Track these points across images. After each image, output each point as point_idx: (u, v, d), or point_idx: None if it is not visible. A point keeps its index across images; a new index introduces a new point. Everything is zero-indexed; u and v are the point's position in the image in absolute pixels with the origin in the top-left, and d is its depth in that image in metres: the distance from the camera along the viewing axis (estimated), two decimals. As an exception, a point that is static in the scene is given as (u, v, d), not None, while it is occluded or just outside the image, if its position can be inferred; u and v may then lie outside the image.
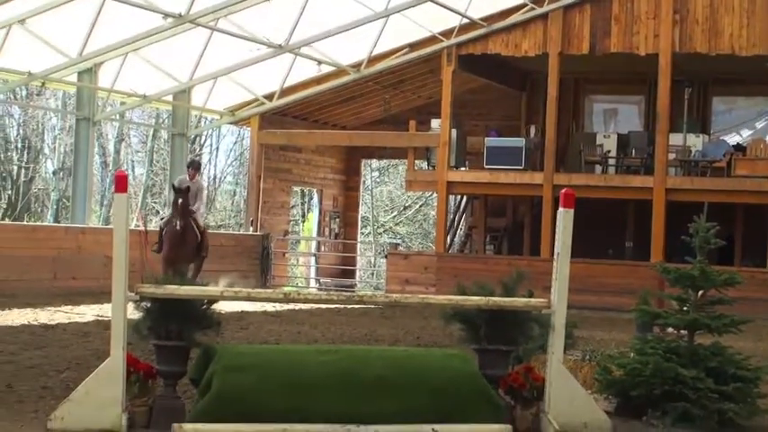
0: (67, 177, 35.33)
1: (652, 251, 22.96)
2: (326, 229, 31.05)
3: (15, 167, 39.50)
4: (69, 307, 17.27)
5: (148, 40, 22.07)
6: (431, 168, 26.02)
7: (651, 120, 25.63)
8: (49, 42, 20.87)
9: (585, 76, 27.31)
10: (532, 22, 24.40)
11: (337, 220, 31.18)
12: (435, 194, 27.14)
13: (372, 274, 32.59)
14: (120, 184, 7.60)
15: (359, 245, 33.55)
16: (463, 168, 25.72)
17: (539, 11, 24.17)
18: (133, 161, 43.79)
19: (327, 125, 29.64)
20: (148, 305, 7.71)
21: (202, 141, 42.72)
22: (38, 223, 34.65)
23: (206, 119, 31.75)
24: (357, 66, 25.51)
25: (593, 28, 24.01)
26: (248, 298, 8.44)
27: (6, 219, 36.38)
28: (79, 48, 21.47)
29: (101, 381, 7.38)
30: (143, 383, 7.60)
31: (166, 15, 20.74)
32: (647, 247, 23.34)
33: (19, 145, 40.05)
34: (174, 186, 18.21)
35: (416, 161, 26.62)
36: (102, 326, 13.41)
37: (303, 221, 39.37)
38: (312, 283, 30.42)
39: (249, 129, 27.93)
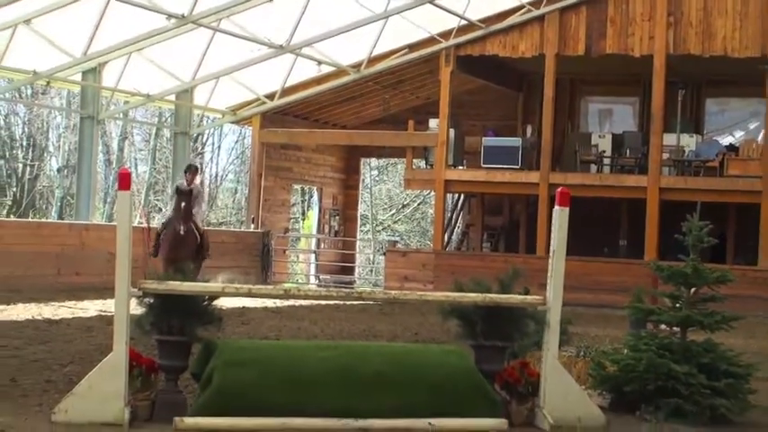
0: (72, 175, 35.31)
1: (646, 249, 22.97)
2: (326, 227, 31.06)
3: (20, 165, 39.50)
4: (73, 302, 17.26)
5: (152, 40, 22.07)
6: (429, 167, 26.03)
7: (645, 120, 25.64)
8: (54, 42, 20.87)
9: (581, 77, 27.32)
10: (529, 24, 24.41)
11: (337, 217, 31.19)
12: (433, 193, 27.14)
13: (371, 271, 32.60)
14: (124, 181, 7.60)
15: (358, 242, 33.56)
16: (461, 167, 25.72)
17: (535, 13, 24.18)
18: (136, 159, 43.78)
19: (327, 124, 29.64)
20: (151, 301, 7.72)
21: (204, 140, 42.71)
22: (42, 220, 34.65)
23: (208, 118, 31.73)
24: (357, 66, 25.51)
25: (589, 30, 24.02)
26: (249, 294, 8.43)
27: (11, 215, 36.37)
28: (84, 47, 21.47)
29: (104, 375, 7.38)
30: (145, 378, 7.60)
31: (170, 16, 20.74)
32: (641, 245, 23.36)
33: (24, 143, 40.05)
34: (177, 188, 17.60)
35: (415, 160, 26.63)
36: (106, 321, 13.38)
37: (303, 219, 39.38)
38: (312, 279, 30.42)
39: (251, 128, 27.94)
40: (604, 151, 25.08)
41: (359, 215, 33.48)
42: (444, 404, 7.73)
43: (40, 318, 14.59)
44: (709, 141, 25.37)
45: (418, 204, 46.85)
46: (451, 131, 25.15)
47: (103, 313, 15.16)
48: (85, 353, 10.64)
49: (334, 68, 25.69)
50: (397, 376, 7.77)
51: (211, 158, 44.36)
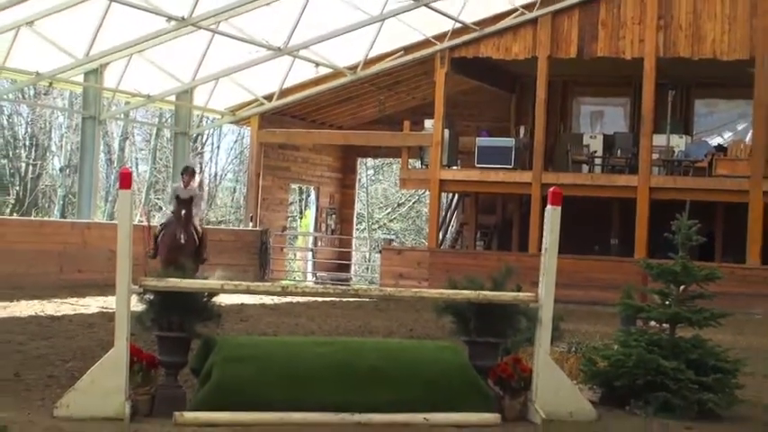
0: (74, 174, 35.29)
1: (636, 247, 22.98)
2: (323, 225, 31.06)
3: (23, 164, 39.48)
4: (75, 299, 17.26)
5: (152, 42, 22.06)
6: (424, 167, 26.04)
7: (636, 121, 25.64)
8: (57, 43, 20.85)
9: (573, 78, 27.33)
10: (522, 27, 24.42)
11: (333, 216, 31.19)
12: (428, 192, 27.13)
13: (367, 268, 32.61)
14: (125, 180, 7.60)
15: (354, 240, 33.56)
16: (455, 167, 25.72)
17: (529, 16, 24.18)
18: (137, 159, 43.75)
19: (325, 125, 29.64)
20: (151, 298, 7.73)
21: (204, 140, 42.69)
22: (45, 218, 34.61)
23: (207, 118, 31.72)
24: (353, 68, 25.51)
25: (581, 33, 24.03)
26: (247, 291, 8.45)
27: (14, 214, 36.34)
28: (85, 49, 21.46)
29: (105, 370, 7.39)
30: (146, 373, 7.61)
31: (170, 18, 20.72)
32: (632, 243, 23.37)
33: (27, 143, 40.03)
34: (177, 197, 17.14)
35: (410, 160, 26.61)
36: (107, 317, 13.38)
37: (301, 218, 39.36)
38: (309, 276, 30.42)
39: (249, 128, 27.92)
40: (596, 151, 25.10)
41: (355, 214, 33.50)
42: (439, 399, 7.75)
43: (42, 314, 14.59)
44: (698, 142, 25.40)
45: (413, 203, 46.85)
46: (446, 132, 25.15)
47: (105, 310, 15.17)
48: (87, 349, 10.65)
49: (331, 70, 25.68)
50: (392, 372, 7.79)
51: (211, 158, 44.39)
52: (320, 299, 18.93)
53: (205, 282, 8.10)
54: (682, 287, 9.05)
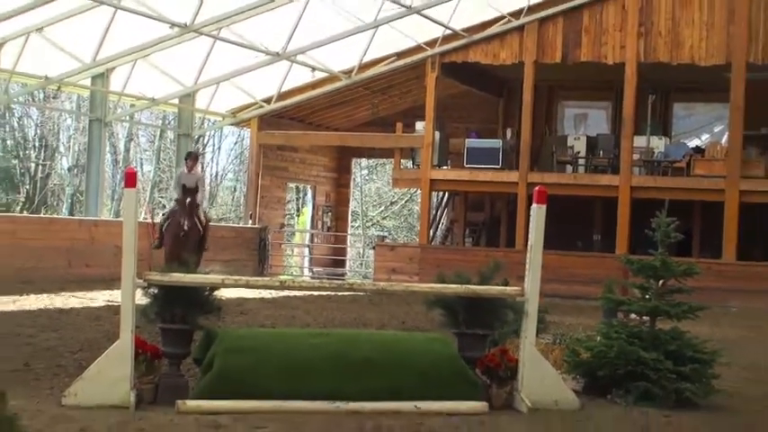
0: (81, 174, 35.23)
1: (617, 244, 23.00)
2: (319, 223, 31.04)
3: (33, 164, 39.42)
4: (82, 293, 17.22)
5: (156, 47, 22.05)
6: (415, 167, 26.04)
7: (617, 123, 25.65)
8: (65, 49, 20.83)
9: (558, 83, 27.33)
10: (509, 34, 24.42)
11: (329, 214, 31.18)
12: (419, 191, 27.14)
13: (361, 264, 32.57)
14: (130, 180, 7.60)
15: (349, 237, 33.54)
16: (445, 167, 25.72)
17: (515, 23, 24.19)
18: (142, 159, 43.71)
19: (321, 127, 29.62)
20: (155, 291, 7.72)
21: (205, 141, 42.63)
22: (54, 216, 34.57)
23: (209, 120, 31.73)
24: (348, 72, 25.51)
25: (566, 39, 24.04)
26: (247, 285, 8.44)
27: (25, 212, 36.29)
28: (92, 54, 21.44)
29: (111, 361, 7.39)
30: (150, 363, 7.61)
31: (173, 25, 20.72)
32: (613, 240, 23.39)
33: (36, 144, 39.97)
34: (183, 186, 16.94)
35: (402, 160, 26.62)
36: (113, 310, 13.36)
37: (298, 215, 39.34)
38: (306, 271, 30.39)
39: (249, 130, 27.90)
40: (579, 152, 25.11)
41: (350, 212, 33.48)
42: (429, 388, 7.74)
43: (51, 307, 14.57)
44: (676, 143, 25.42)
45: (405, 202, 46.86)
46: (437, 134, 25.15)
47: (111, 303, 15.14)
48: (94, 340, 10.64)
49: (327, 74, 25.68)
50: (385, 362, 7.79)
51: (212, 158, 44.33)
52: (316, 293, 18.93)
53: (207, 276, 8.10)
54: (661, 282, 9.05)
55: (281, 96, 26.11)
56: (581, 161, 24.99)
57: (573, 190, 23.82)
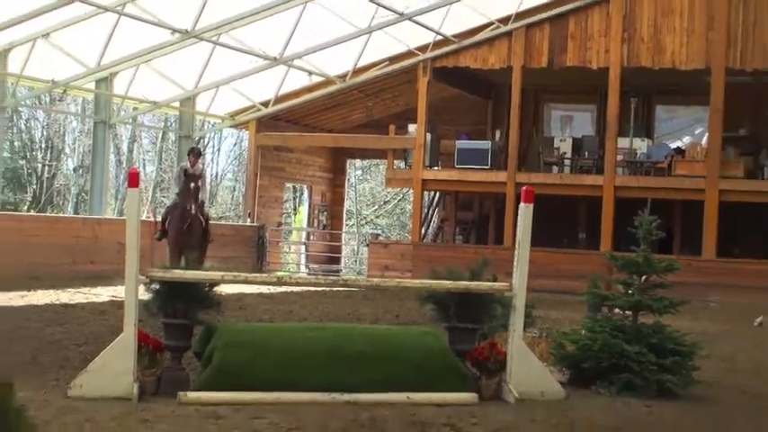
0: (86, 174, 35.20)
1: (602, 241, 23.02)
2: (315, 221, 31.03)
3: (40, 165, 39.35)
4: (87, 288, 17.21)
5: (158, 52, 22.03)
6: (408, 167, 26.03)
7: (602, 126, 25.68)
8: (70, 54, 20.80)
9: (545, 87, 27.33)
10: (498, 39, 24.43)
11: (325, 212, 31.16)
12: (411, 191, 27.13)
13: (356, 260, 32.57)
14: (133, 180, 7.59)
15: (344, 235, 33.55)
16: (436, 168, 25.72)
17: (504, 29, 24.20)
18: (144, 160, 43.64)
19: (317, 129, 29.60)
20: (157, 287, 7.72)
21: (206, 143, 42.56)
22: (59, 215, 34.51)
23: (209, 123, 31.66)
24: (343, 76, 25.50)
25: (552, 44, 24.04)
26: (246, 281, 8.44)
27: (32, 210, 36.24)
28: (97, 59, 21.41)
29: (115, 354, 7.39)
30: (152, 356, 7.61)
31: (174, 31, 20.70)
32: (598, 237, 23.41)
33: (43, 145, 39.90)
34: (185, 171, 16.42)
35: (395, 161, 26.62)
36: (117, 305, 13.35)
37: (295, 214, 39.33)
38: (302, 268, 30.39)
39: (247, 132, 27.86)
40: (565, 153, 25.12)
41: (345, 210, 33.46)
42: (422, 380, 7.75)
43: (57, 302, 14.56)
44: (658, 145, 25.44)
45: (398, 201, 46.85)
46: (428, 135, 25.14)
47: (115, 298, 15.13)
48: (98, 334, 10.63)
49: (322, 78, 25.67)
50: (378, 355, 7.80)
51: (212, 159, 44.27)
52: (312, 288, 18.92)
53: (207, 272, 8.10)
54: (643, 277, 9.07)
55: (279, 99, 26.09)
56: (567, 162, 25.00)
57: (559, 190, 23.83)
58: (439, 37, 24.38)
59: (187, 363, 8.06)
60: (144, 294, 7.69)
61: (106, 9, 19.26)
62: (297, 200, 39.90)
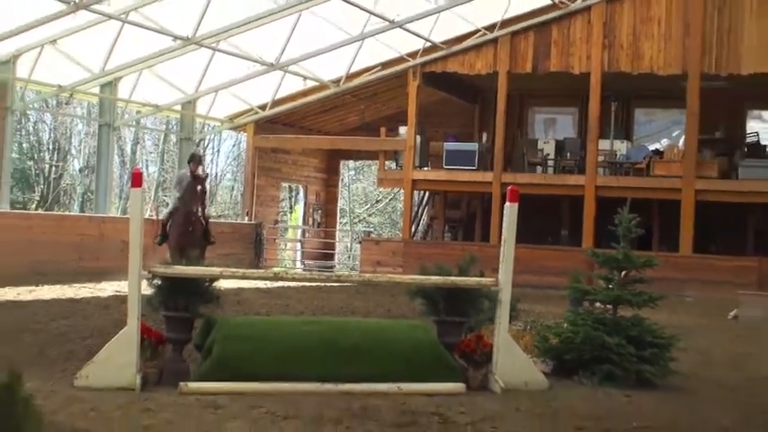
0: (91, 174, 35.10)
1: (584, 238, 23.04)
2: (310, 219, 31.01)
3: (47, 166, 39.27)
4: (92, 284, 17.18)
5: (160, 58, 21.98)
6: (399, 168, 26.02)
7: (583, 128, 25.69)
8: (76, 60, 20.75)
9: (529, 91, 27.33)
10: (484, 46, 24.43)
11: (319, 211, 31.14)
12: (402, 190, 27.13)
13: (349, 257, 32.55)
14: (136, 180, 7.58)
15: (337, 232, 33.52)
16: (426, 168, 25.71)
17: (490, 36, 24.20)
18: (147, 161, 43.56)
19: (312, 131, 29.58)
20: (159, 282, 7.71)
21: (206, 144, 42.51)
22: (65, 213, 34.44)
23: (209, 125, 31.58)
24: (337, 81, 25.48)
25: (536, 51, 24.05)
26: (244, 277, 8.45)
27: (39, 209, 36.16)
28: (101, 64, 21.36)
29: (119, 346, 7.38)
30: (154, 349, 7.60)
31: (176, 38, 20.66)
32: (580, 234, 23.43)
33: (50, 147, 39.81)
34: (192, 175, 15.78)
35: (387, 162, 26.60)
36: (120, 300, 13.29)
37: (290, 212, 39.28)
38: (298, 264, 30.37)
39: (245, 134, 27.85)
40: (548, 154, 25.14)
41: (338, 209, 33.44)
42: (412, 371, 7.76)
43: (63, 297, 14.53)
44: (637, 146, 25.46)
45: (389, 200, 46.84)
46: (418, 137, 25.14)
47: (119, 293, 15.09)
48: (103, 327, 10.61)
49: (317, 83, 25.65)
50: (371, 347, 7.80)
51: (212, 160, 44.20)
52: (308, 284, 18.92)
53: (207, 268, 8.09)
54: (623, 273, 9.08)
55: (275, 103, 26.07)
56: (550, 163, 25.03)
57: (543, 189, 23.84)
58: (428, 44, 24.38)
59: (188, 355, 8.05)
60: (147, 289, 7.68)
61: (110, 17, 19.22)
62: (293, 199, 39.84)
